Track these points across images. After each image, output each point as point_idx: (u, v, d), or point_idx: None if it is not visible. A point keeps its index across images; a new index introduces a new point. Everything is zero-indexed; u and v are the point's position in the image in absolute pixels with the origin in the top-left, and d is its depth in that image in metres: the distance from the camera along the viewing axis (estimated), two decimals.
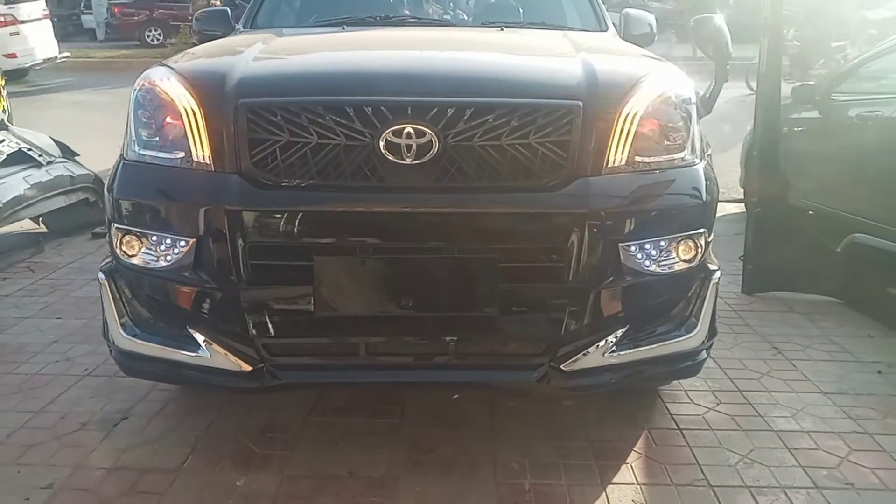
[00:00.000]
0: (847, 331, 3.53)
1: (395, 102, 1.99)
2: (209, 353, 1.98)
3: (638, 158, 2.08)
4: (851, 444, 2.50)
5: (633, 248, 2.00)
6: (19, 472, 2.28)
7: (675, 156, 2.14)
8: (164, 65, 2.25)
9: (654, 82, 2.16)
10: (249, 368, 1.97)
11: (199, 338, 1.99)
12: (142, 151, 2.10)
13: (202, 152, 2.01)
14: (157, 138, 2.09)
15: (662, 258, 2.05)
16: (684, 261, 2.09)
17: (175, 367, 2.03)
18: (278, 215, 1.94)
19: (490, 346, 2.05)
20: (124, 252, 2.05)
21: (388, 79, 2.15)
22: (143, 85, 2.17)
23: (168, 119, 2.07)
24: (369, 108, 1.98)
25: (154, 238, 2.00)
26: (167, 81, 2.12)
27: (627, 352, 2.04)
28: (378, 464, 2.34)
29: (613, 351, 2.02)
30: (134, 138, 2.13)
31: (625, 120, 2.07)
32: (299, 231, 1.93)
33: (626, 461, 2.38)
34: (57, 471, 2.28)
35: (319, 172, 1.98)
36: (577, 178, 2.00)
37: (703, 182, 2.15)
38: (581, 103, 2.05)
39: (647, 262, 2.03)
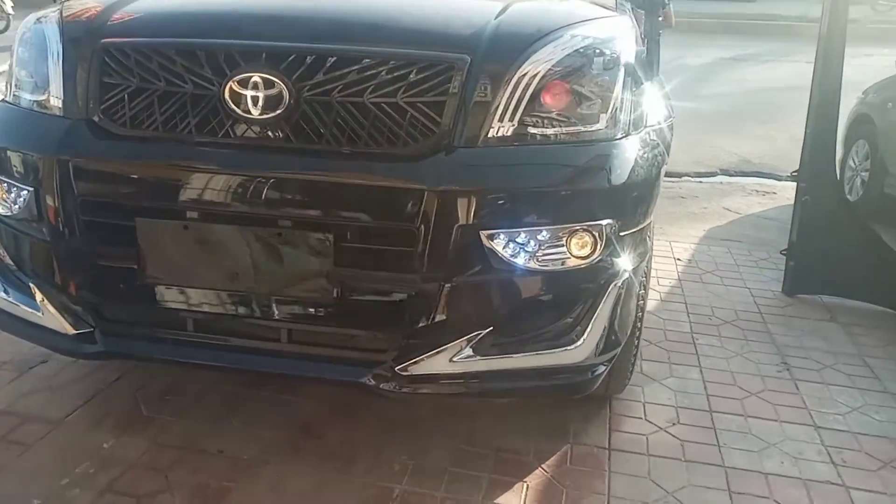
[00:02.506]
0: (890, 352, 2.92)
1: (245, 47, 1.74)
2: (41, 311, 1.86)
3: (532, 129, 1.70)
4: (816, 499, 2.03)
5: (500, 238, 1.65)
6: None
7: (585, 128, 1.74)
8: (61, 3, 2.11)
9: (566, 39, 1.76)
10: (73, 331, 1.83)
11: (37, 295, 1.87)
12: (15, 93, 1.99)
13: (57, 97, 1.87)
14: (30, 80, 1.96)
15: (543, 252, 1.67)
16: (577, 257, 1.70)
17: (21, 323, 1.93)
18: (110, 168, 1.77)
19: (325, 337, 1.78)
20: None
21: (247, 20, 1.89)
22: (27, 23, 2.05)
23: (38, 61, 1.93)
24: (221, 53, 1.74)
25: (4, 185, 1.90)
26: (46, 21, 1.98)
27: (486, 359, 1.70)
28: (254, 444, 2.16)
29: (469, 356, 1.68)
30: (12, 79, 2.02)
31: (518, 82, 1.70)
32: (128, 188, 1.75)
33: (525, 479, 2.06)
34: None
35: (165, 123, 1.78)
36: (444, 149, 1.67)
37: (619, 161, 1.74)
38: (468, 58, 1.70)
39: (520, 256, 1.66)
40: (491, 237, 1.63)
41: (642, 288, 2.10)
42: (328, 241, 1.66)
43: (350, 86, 1.70)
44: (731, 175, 6.07)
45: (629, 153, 1.78)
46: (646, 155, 1.85)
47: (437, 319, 1.67)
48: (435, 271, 1.64)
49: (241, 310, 1.77)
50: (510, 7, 1.91)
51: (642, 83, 1.90)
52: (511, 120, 1.69)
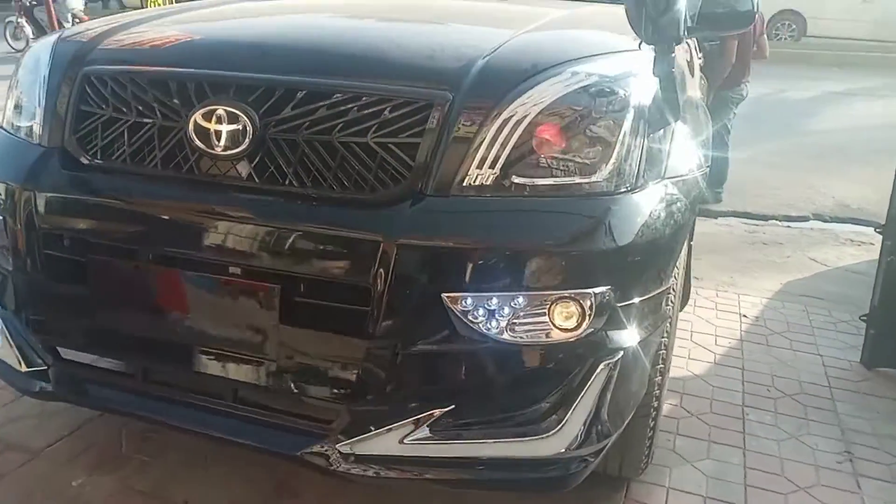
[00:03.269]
0: None
1: (211, 77, 1.62)
2: (1, 342, 1.78)
3: (516, 179, 1.48)
4: None
5: (467, 302, 1.42)
6: None
7: (580, 179, 1.49)
8: (64, 30, 2.07)
9: (565, 76, 1.53)
10: (24, 368, 1.74)
11: (0, 324, 1.80)
12: (8, 117, 1.95)
13: (39, 123, 1.80)
14: (21, 105, 1.92)
15: (519, 321, 1.43)
16: (561, 329, 1.45)
17: None
18: (69, 201, 1.67)
19: (268, 401, 1.60)
20: None
21: (225, 50, 1.75)
22: (27, 49, 2.02)
23: (30, 86, 1.88)
24: (190, 83, 1.63)
25: None
26: (41, 47, 1.94)
27: (444, 443, 1.46)
28: (222, 498, 2.02)
29: (423, 438, 1.45)
30: (9, 103, 1.99)
31: (503, 124, 1.48)
32: (83, 222, 1.65)
33: None
34: None
35: (133, 155, 1.67)
36: (411, 197, 1.47)
37: (620, 219, 1.49)
38: (450, 96, 1.50)
39: (491, 324, 1.43)
40: (455, 300, 1.41)
41: (660, 361, 1.81)
42: (275, 295, 1.49)
43: (318, 122, 1.53)
44: (824, 220, 5.51)
45: (635, 210, 1.52)
46: (660, 212, 1.57)
47: (388, 392, 1.45)
48: (388, 336, 1.43)
49: (185, 363, 1.62)
50: (513, 39, 1.70)
51: (664, 128, 1.63)
52: (492, 167, 1.48)
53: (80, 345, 1.72)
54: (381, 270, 1.41)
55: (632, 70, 1.58)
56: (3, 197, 1.74)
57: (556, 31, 1.90)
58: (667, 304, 1.74)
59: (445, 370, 1.47)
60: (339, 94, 1.54)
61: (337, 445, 1.47)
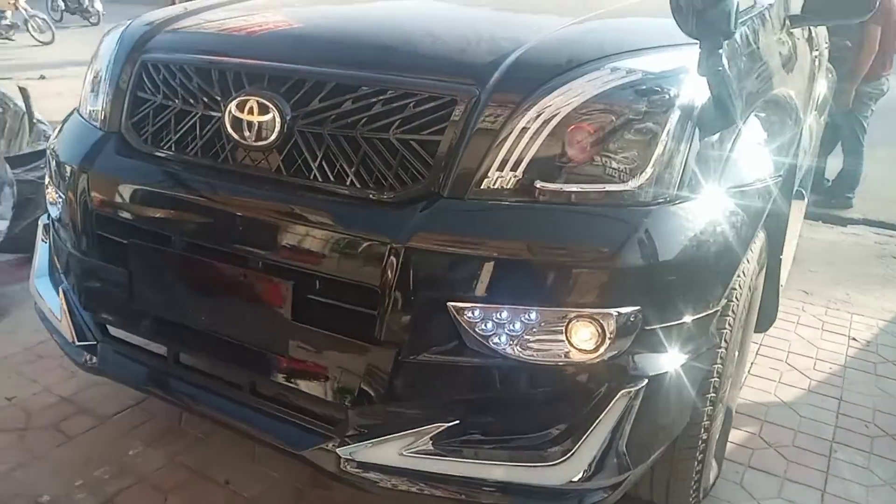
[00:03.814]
0: None
1: (244, 67, 1.62)
2: (59, 316, 1.89)
3: (540, 184, 1.36)
4: None
5: (474, 313, 1.33)
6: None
7: (611, 187, 1.35)
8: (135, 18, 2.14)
9: (603, 73, 1.39)
10: (75, 341, 1.83)
11: (60, 298, 1.91)
12: (82, 102, 2.06)
13: (101, 109, 1.88)
14: (91, 91, 2.01)
15: (531, 338, 1.32)
16: (577, 350, 1.33)
17: (49, 322, 1.98)
18: (118, 185, 1.73)
19: (280, 397, 1.58)
20: (48, 201, 2.05)
21: (262, 41, 1.74)
22: (102, 37, 2.11)
23: (100, 72, 1.97)
24: (229, 73, 1.64)
25: (51, 189, 1.96)
26: (111, 36, 2.02)
27: (445, 459, 1.37)
28: (261, 482, 2.05)
29: (423, 451, 1.37)
30: (83, 89, 2.09)
31: (529, 123, 1.37)
32: (129, 206, 1.71)
33: None
34: (25, 387, 2.47)
35: (177, 143, 1.71)
36: (427, 198, 1.40)
37: (655, 233, 1.34)
38: (476, 91, 1.41)
39: (500, 338, 1.33)
40: (462, 311, 1.33)
41: (711, 390, 1.64)
42: (288, 291, 1.47)
43: (343, 116, 1.49)
44: None
45: (674, 223, 1.36)
46: (708, 226, 1.41)
47: (391, 401, 1.40)
48: (393, 342, 1.37)
49: (208, 351, 1.65)
50: (561, 29, 1.58)
51: (719, 132, 1.45)
52: (514, 169, 1.37)
53: (123, 324, 1.79)
54: (389, 273, 1.36)
55: (684, 67, 1.41)
56: (67, 177, 1.84)
57: (617, 19, 1.74)
58: (718, 328, 1.57)
59: (450, 383, 1.39)
60: (364, 87, 1.49)
61: (339, 449, 1.44)
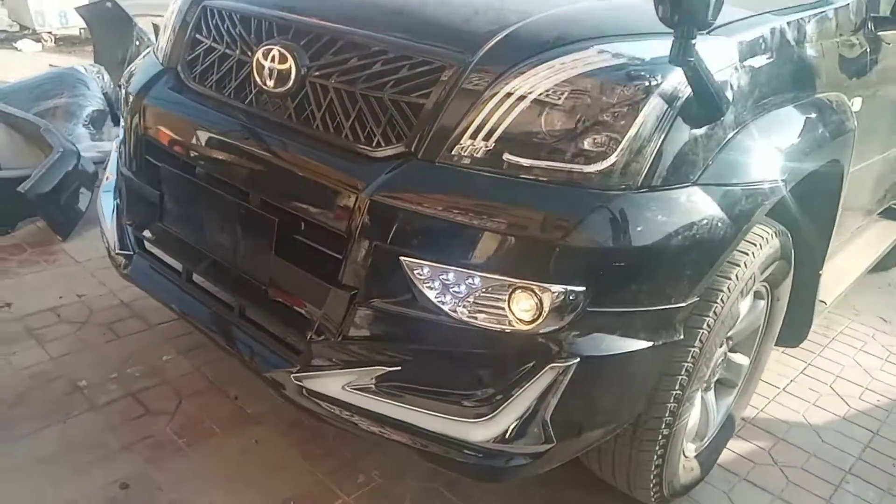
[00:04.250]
0: None
1: (277, 17, 1.74)
2: (110, 226, 2.13)
3: (508, 156, 1.40)
4: None
5: (424, 271, 1.40)
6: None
7: (576, 167, 1.37)
8: None
9: (588, 54, 1.40)
10: (116, 250, 2.06)
11: (109, 209, 2.15)
12: (157, 43, 2.27)
13: (165, 47, 2.08)
14: (162, 29, 2.21)
15: (474, 301, 1.38)
16: (515, 320, 1.37)
17: (102, 229, 2.23)
18: (166, 116, 1.92)
19: (258, 322, 1.72)
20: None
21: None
22: None
23: (171, 15, 2.16)
24: (265, 22, 1.77)
25: (121, 116, 2.20)
26: None
27: (380, 400, 1.47)
28: (265, 402, 2.23)
29: (362, 389, 1.47)
30: (159, 32, 2.30)
31: (506, 96, 1.41)
32: (169, 135, 1.90)
33: None
34: (95, 288, 2.79)
35: (217, 83, 1.87)
36: (404, 157, 1.48)
37: (611, 217, 1.35)
38: (467, 59, 1.47)
39: (446, 297, 1.39)
40: (413, 266, 1.41)
41: (677, 387, 1.63)
42: (273, 227, 1.60)
43: (348, 72, 1.59)
44: None
45: (632, 211, 1.36)
46: (672, 219, 1.40)
47: (342, 340, 1.50)
48: (352, 286, 1.47)
49: (215, 274, 1.82)
50: (563, 7, 1.59)
51: (705, 126, 1.42)
52: (486, 140, 1.42)
53: (153, 240, 2.00)
54: (354, 222, 1.46)
55: (681, 54, 1.38)
56: (129, 103, 2.06)
57: (620, 3, 1.71)
58: (689, 326, 1.55)
59: (396, 332, 1.47)
60: (369, 47, 1.58)
61: (292, 375, 1.57)
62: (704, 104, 1.38)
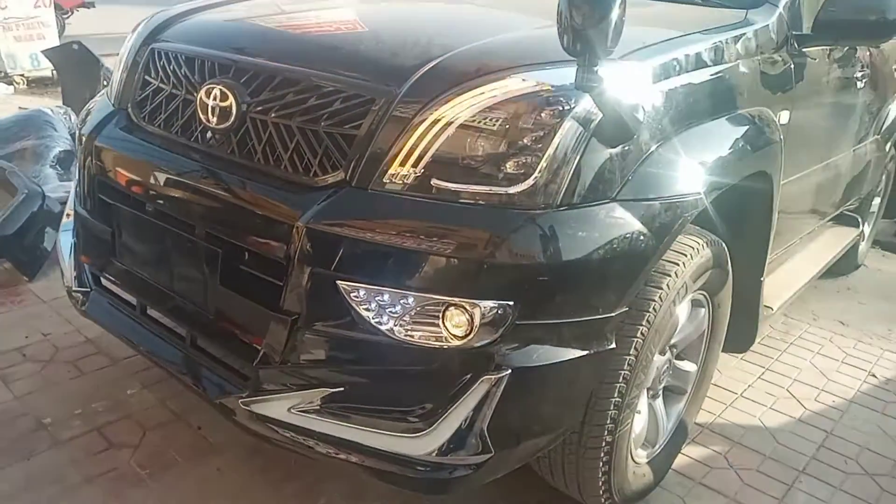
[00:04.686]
0: None
1: (217, 58, 1.82)
2: (67, 263, 2.18)
3: (436, 181, 1.48)
4: None
5: (360, 293, 1.46)
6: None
7: (498, 189, 1.45)
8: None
9: (506, 83, 1.49)
10: (73, 286, 2.11)
11: (67, 248, 2.20)
12: (108, 84, 2.34)
13: (117, 88, 2.15)
14: (114, 70, 2.27)
15: (409, 320, 1.44)
16: (448, 336, 1.43)
17: (60, 267, 2.27)
18: (115, 155, 1.98)
19: (208, 351, 1.77)
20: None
21: (237, 35, 1.95)
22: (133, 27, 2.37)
23: (121, 57, 2.22)
24: (207, 62, 1.85)
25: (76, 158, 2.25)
26: (140, 22, 2.28)
27: (326, 421, 1.52)
28: (229, 433, 2.26)
29: (308, 411, 1.52)
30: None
31: (431, 125, 1.49)
32: (119, 173, 1.96)
33: None
34: (60, 326, 2.82)
35: (165, 122, 1.94)
36: (337, 186, 1.55)
37: (532, 235, 1.43)
38: (394, 92, 1.55)
39: (383, 318, 1.45)
40: (349, 290, 1.47)
41: (616, 394, 1.69)
42: (218, 258, 1.66)
43: (285, 107, 1.66)
44: None
45: (552, 228, 1.44)
46: (593, 234, 1.47)
47: (286, 364, 1.56)
48: (291, 312, 1.53)
49: (166, 306, 1.87)
50: (488, 40, 1.68)
51: (619, 146, 1.51)
52: (414, 167, 1.49)
53: (107, 276, 2.05)
54: (292, 250, 1.52)
55: (586, 81, 1.47)
56: (81, 143, 2.12)
57: (540, 34, 1.79)
58: (622, 335, 1.62)
59: (337, 354, 1.53)
60: (304, 82, 1.66)
61: (240, 400, 1.62)
62: (615, 126, 1.47)
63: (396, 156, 1.51)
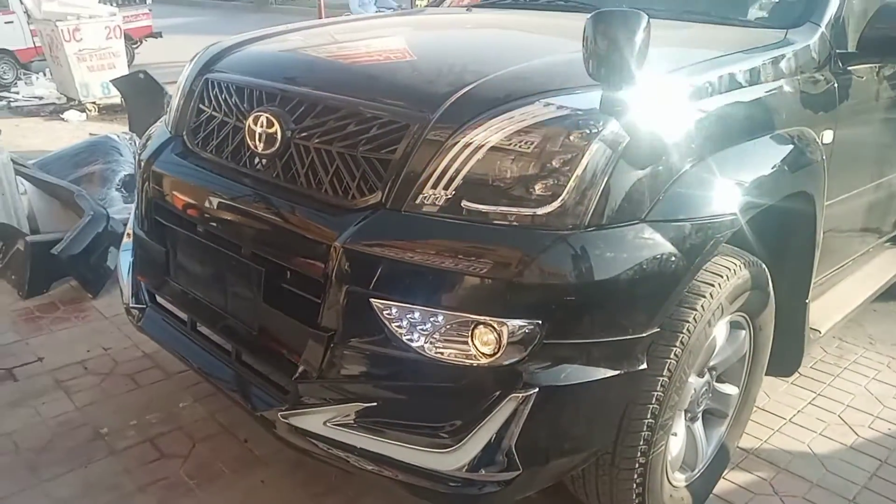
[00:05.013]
0: None
1: (265, 87, 1.92)
2: (125, 281, 2.31)
3: (466, 203, 1.53)
4: None
5: (392, 311, 1.51)
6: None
7: (526, 211, 1.49)
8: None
9: (534, 108, 1.54)
10: (129, 303, 2.23)
11: (126, 265, 2.33)
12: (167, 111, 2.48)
13: (174, 116, 2.28)
14: (172, 102, 2.41)
15: (439, 338, 1.48)
16: (477, 353, 1.47)
17: (119, 285, 2.41)
18: (171, 179, 2.10)
19: (252, 365, 1.84)
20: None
21: (287, 67, 2.05)
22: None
23: (178, 87, 2.36)
24: (255, 91, 1.96)
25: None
26: (196, 54, 2.42)
27: (360, 434, 1.57)
28: (274, 446, 2.33)
29: (343, 425, 1.57)
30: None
31: (462, 149, 1.54)
32: (173, 196, 2.07)
33: None
34: (121, 342, 2.97)
35: (217, 148, 2.05)
36: (373, 208, 1.61)
37: (560, 255, 1.46)
38: (427, 118, 1.61)
39: (414, 335, 1.50)
40: (383, 308, 1.53)
41: (649, 415, 1.69)
42: (261, 277, 1.75)
43: (326, 133, 1.74)
44: None
45: (581, 248, 1.46)
46: (622, 255, 1.49)
47: (323, 378, 1.62)
48: (329, 329, 1.60)
49: (214, 322, 1.97)
50: (508, 70, 1.73)
51: (649, 167, 1.53)
52: (446, 189, 1.54)
53: (162, 293, 2.17)
54: (329, 269, 1.59)
55: (613, 105, 1.50)
56: (140, 168, 2.25)
57: (567, 60, 1.82)
58: (655, 356, 1.63)
59: (371, 370, 1.59)
60: (344, 109, 1.74)
61: (280, 414, 1.69)
62: (643, 148, 1.49)
63: (429, 178, 1.56)
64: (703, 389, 2.04)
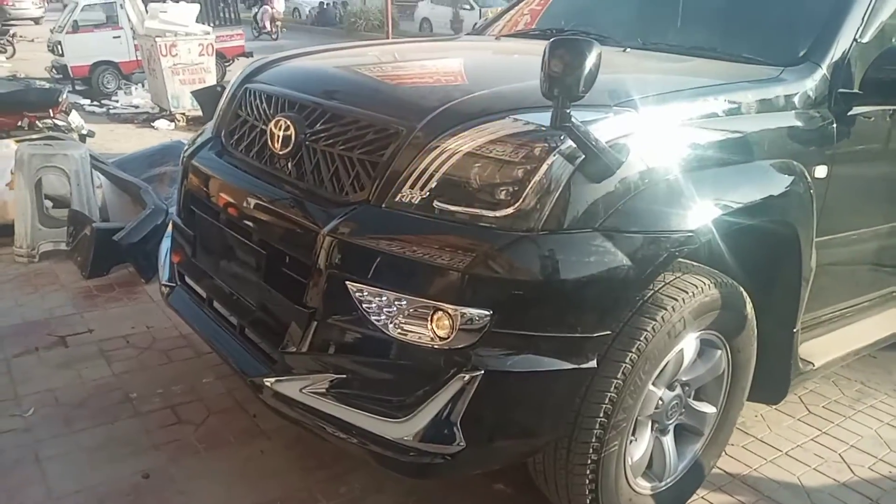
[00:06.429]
0: None
1: (287, 96, 2.17)
2: (163, 259, 2.59)
3: (437, 203, 1.71)
4: None
5: (364, 293, 1.70)
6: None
7: (486, 213, 1.65)
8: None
9: (504, 122, 1.71)
10: (162, 281, 2.51)
11: (166, 246, 2.62)
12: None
13: (217, 119, 2.58)
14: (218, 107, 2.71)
15: (402, 320, 1.66)
16: (433, 336, 1.64)
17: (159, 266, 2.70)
18: (205, 173, 2.37)
19: (252, 338, 2.06)
20: None
21: (305, 78, 2.28)
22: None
23: (223, 97, 2.65)
24: (279, 99, 2.21)
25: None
26: (244, 69, 2.71)
27: (328, 401, 1.75)
28: (279, 422, 2.55)
29: (315, 393, 1.76)
30: None
31: (437, 155, 1.73)
32: (204, 187, 2.34)
33: None
34: (163, 321, 3.27)
35: (246, 148, 2.32)
36: (360, 203, 1.82)
37: (511, 254, 1.61)
38: (414, 125, 1.81)
39: (381, 316, 1.68)
40: (356, 290, 1.72)
41: (602, 414, 1.80)
42: (263, 260, 1.98)
43: (330, 136, 1.97)
44: None
45: (531, 251, 1.62)
46: (570, 259, 1.63)
47: (304, 350, 1.82)
48: (312, 307, 1.80)
49: (226, 299, 2.21)
50: (503, 86, 1.90)
51: (603, 181, 1.67)
52: (421, 189, 1.73)
53: (188, 273, 2.43)
54: (315, 254, 1.80)
55: (564, 122, 1.64)
56: (182, 162, 2.55)
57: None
58: (608, 357, 1.75)
59: (344, 345, 1.78)
60: (347, 117, 1.96)
61: (266, 380, 1.90)
62: (593, 162, 1.64)
63: (408, 179, 1.76)
64: (674, 403, 2.13)
